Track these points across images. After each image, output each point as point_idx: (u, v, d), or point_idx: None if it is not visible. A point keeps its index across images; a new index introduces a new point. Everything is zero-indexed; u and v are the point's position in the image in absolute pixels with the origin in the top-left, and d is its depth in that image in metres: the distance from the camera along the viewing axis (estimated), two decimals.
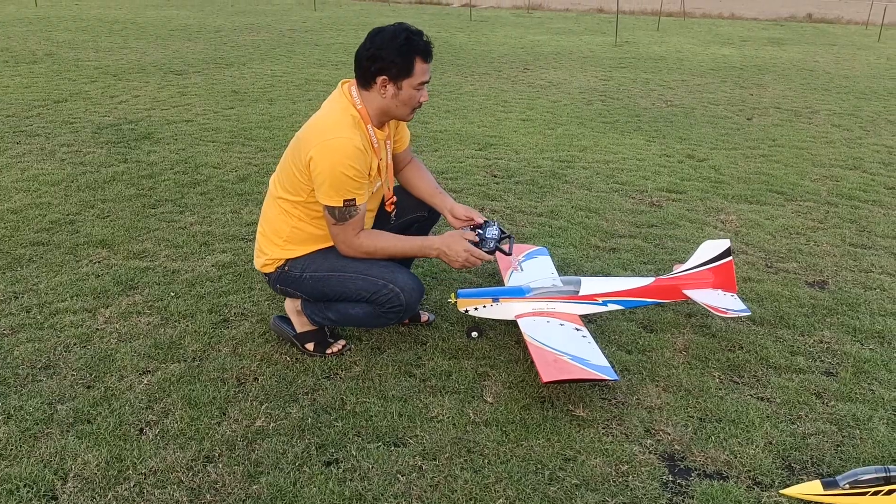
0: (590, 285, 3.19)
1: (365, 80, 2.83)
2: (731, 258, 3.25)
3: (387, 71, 2.78)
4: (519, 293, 3.14)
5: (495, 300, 3.13)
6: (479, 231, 2.98)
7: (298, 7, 21.13)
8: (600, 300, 3.18)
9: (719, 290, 3.24)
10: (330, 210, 2.82)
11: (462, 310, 3.16)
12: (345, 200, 2.78)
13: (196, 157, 5.86)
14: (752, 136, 7.20)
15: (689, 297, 3.22)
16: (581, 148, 6.54)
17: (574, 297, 3.15)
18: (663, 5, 21.54)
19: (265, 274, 3.10)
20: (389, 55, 2.76)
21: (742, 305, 3.19)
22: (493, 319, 3.22)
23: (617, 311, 3.30)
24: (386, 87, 2.81)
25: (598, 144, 6.68)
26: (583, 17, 20.84)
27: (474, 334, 3.23)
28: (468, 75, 10.32)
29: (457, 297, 3.15)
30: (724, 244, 3.26)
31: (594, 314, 3.25)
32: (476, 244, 2.93)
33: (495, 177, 5.61)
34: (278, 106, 7.93)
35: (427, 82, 2.86)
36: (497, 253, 3.73)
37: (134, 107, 7.61)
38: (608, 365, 2.74)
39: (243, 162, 5.79)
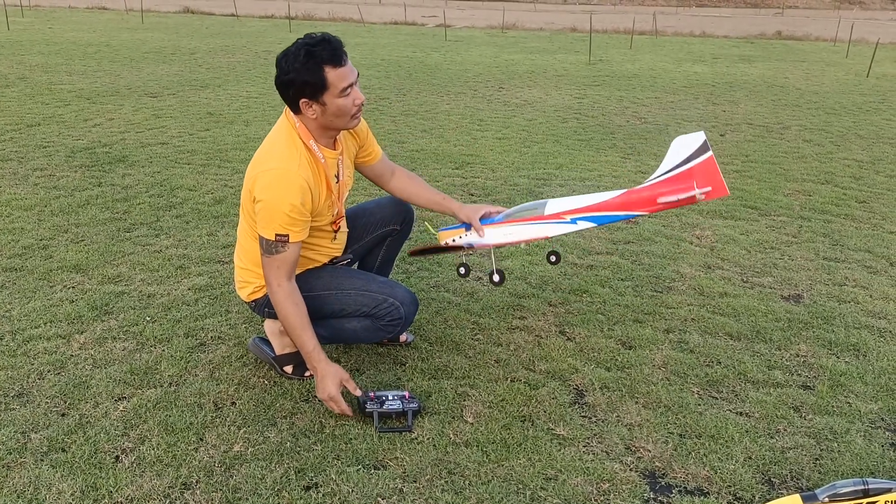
0: (556, 205, 3.10)
1: (292, 106, 2.77)
2: (710, 153, 2.86)
3: (303, 92, 2.69)
4: (489, 221, 3.17)
5: (468, 229, 3.18)
6: (385, 394, 2.80)
7: (273, 28, 21.17)
8: (569, 218, 3.06)
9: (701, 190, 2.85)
10: (260, 239, 2.75)
11: (442, 242, 3.26)
12: (276, 234, 2.69)
13: (171, 179, 5.82)
14: (726, 151, 7.28)
15: (667, 204, 2.92)
16: (557, 165, 6.58)
17: (542, 217, 3.10)
18: (636, 24, 21.80)
19: (252, 301, 3.05)
20: (298, 76, 2.65)
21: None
22: (472, 249, 3.24)
23: (590, 228, 3.13)
24: (311, 106, 2.72)
25: (574, 162, 6.73)
26: (557, 36, 21.03)
27: (462, 270, 3.27)
28: (444, 94, 10.37)
29: (437, 231, 3.30)
30: (698, 137, 2.89)
31: (566, 234, 3.13)
32: (368, 400, 2.77)
33: (472, 195, 5.63)
34: (254, 127, 7.91)
35: (353, 83, 2.71)
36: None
37: (108, 130, 7.56)
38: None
39: (219, 184, 5.76)
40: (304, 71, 2.65)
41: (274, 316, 3.03)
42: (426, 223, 3.24)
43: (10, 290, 3.79)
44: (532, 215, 3.12)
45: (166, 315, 3.57)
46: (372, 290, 2.96)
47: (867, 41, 19.49)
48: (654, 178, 2.96)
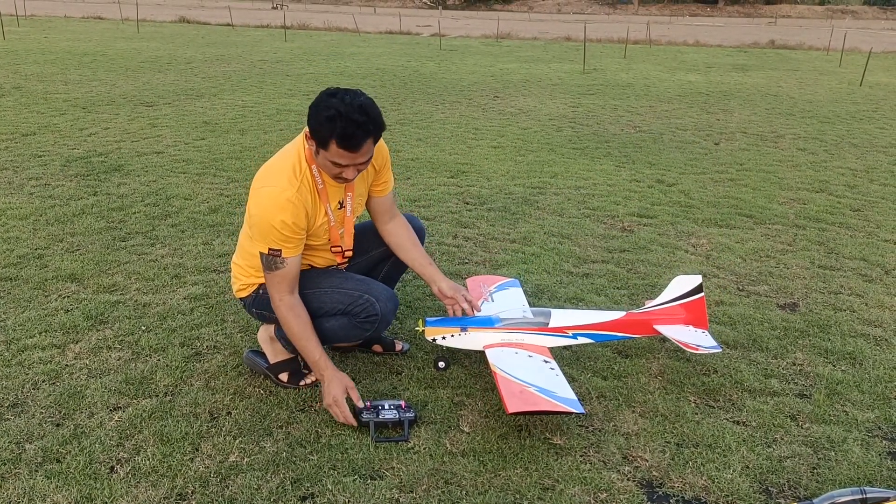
0: (560, 317, 3.16)
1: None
2: (702, 294, 3.19)
3: (312, 133, 2.73)
4: (488, 323, 3.10)
5: (464, 329, 3.07)
6: (381, 403, 2.80)
7: (269, 38, 21.19)
8: (570, 333, 3.14)
9: (690, 326, 3.19)
10: (260, 255, 2.81)
11: (429, 338, 3.11)
12: (270, 249, 2.76)
13: (167, 188, 5.82)
14: (720, 160, 7.30)
15: (660, 333, 3.19)
16: (552, 174, 6.59)
17: (544, 328, 3.12)
18: (629, 33, 21.89)
19: (241, 299, 3.09)
20: (315, 124, 2.69)
21: (713, 342, 3.14)
22: (461, 349, 3.16)
23: (587, 343, 3.28)
24: (312, 145, 2.76)
25: (569, 170, 6.74)
26: (551, 46, 21.10)
27: (441, 364, 3.19)
28: (439, 103, 10.38)
29: (424, 324, 3.09)
30: (695, 280, 3.22)
31: (564, 346, 3.24)
32: (364, 410, 2.77)
33: (468, 204, 5.63)
34: (250, 136, 7.91)
35: (350, 166, 2.73)
36: (470, 281, 3.72)
37: (104, 139, 7.55)
38: (574, 398, 2.70)
39: (215, 193, 5.75)
40: (321, 127, 2.66)
41: (265, 318, 3.08)
42: (419, 322, 3.12)
43: (4, 300, 3.77)
44: (535, 325, 3.13)
45: (162, 324, 3.56)
46: (347, 288, 2.95)
47: (860, 50, 19.60)
48: (653, 307, 3.25)
